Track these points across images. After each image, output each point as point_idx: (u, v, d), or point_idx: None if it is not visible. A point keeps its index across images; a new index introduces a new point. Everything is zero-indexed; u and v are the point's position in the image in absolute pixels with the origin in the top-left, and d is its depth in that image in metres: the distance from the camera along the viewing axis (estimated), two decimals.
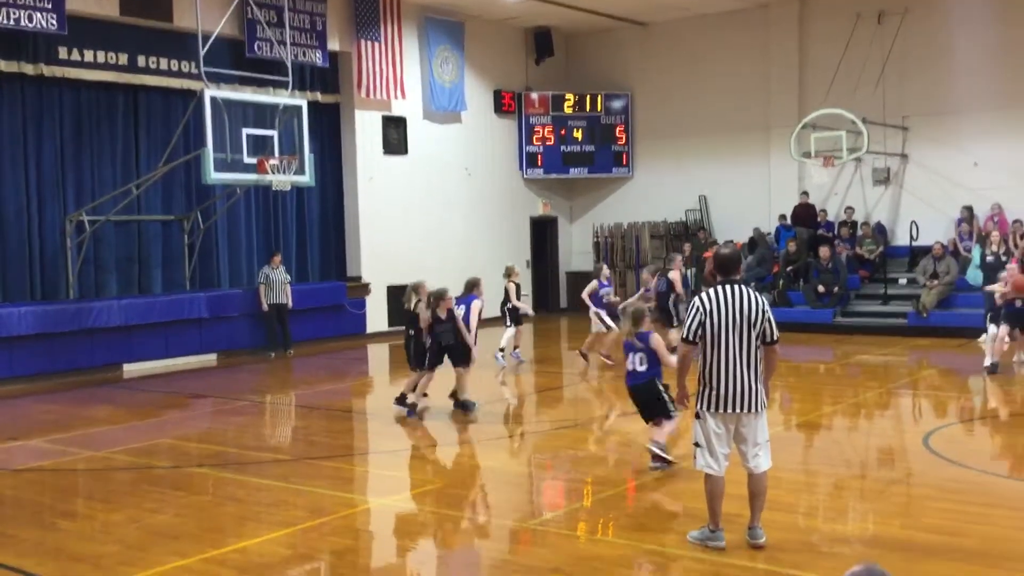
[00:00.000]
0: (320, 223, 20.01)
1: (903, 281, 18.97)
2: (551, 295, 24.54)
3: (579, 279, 24.11)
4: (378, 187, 20.20)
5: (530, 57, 23.64)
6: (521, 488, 8.64)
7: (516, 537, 6.96)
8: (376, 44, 19.57)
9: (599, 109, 23.58)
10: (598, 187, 24.31)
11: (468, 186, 22.20)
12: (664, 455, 8.43)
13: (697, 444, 6.49)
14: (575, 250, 24.79)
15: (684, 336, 6.45)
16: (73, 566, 6.54)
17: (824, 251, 19.05)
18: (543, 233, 24.44)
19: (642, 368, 8.51)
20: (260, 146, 15.46)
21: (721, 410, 6.35)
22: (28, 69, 15.38)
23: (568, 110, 23.49)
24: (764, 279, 20.01)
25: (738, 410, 6.36)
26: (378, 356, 18.22)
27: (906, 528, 6.91)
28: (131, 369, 16.01)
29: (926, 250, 18.42)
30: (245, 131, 15.27)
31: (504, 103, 23.01)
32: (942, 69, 19.56)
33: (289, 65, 16.68)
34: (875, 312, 18.79)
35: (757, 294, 6.48)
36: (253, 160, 15.27)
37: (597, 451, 9.69)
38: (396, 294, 20.31)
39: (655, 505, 7.74)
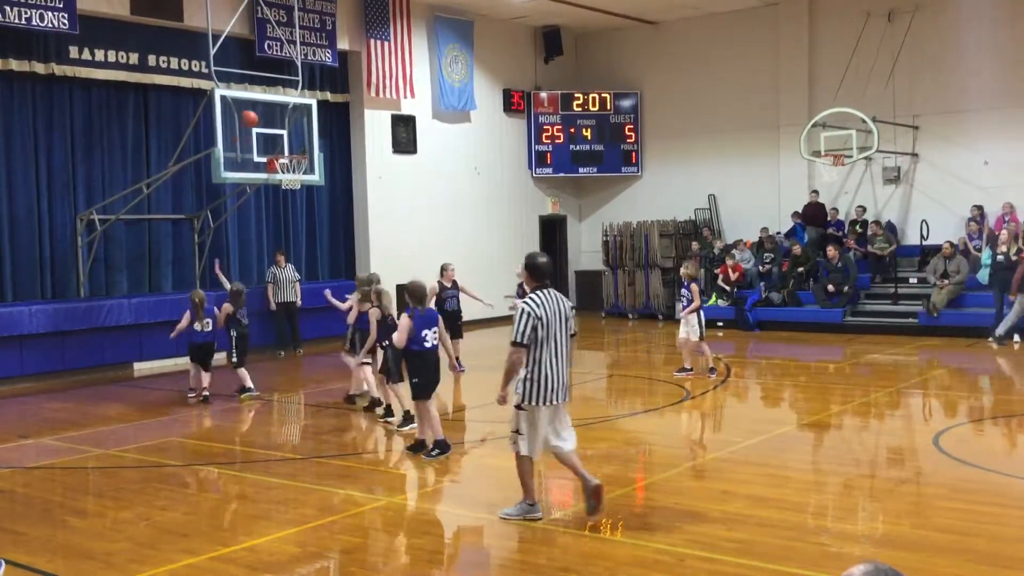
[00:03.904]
0: (330, 222, 20.05)
1: (913, 280, 18.90)
2: None
3: (588, 278, 24.17)
4: (387, 186, 20.21)
5: (539, 56, 23.64)
6: None
7: (525, 536, 6.96)
8: (385, 43, 19.59)
9: (608, 108, 23.57)
10: (607, 186, 24.30)
11: (477, 185, 22.21)
12: None
13: (519, 432, 7.04)
14: (584, 249, 24.78)
15: (518, 340, 6.85)
16: (83, 564, 6.57)
17: (832, 250, 19.00)
18: (552, 232, 24.44)
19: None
20: (270, 145, 15.49)
21: (549, 402, 6.95)
22: (39, 68, 15.45)
23: (577, 109, 23.48)
24: (768, 278, 19.97)
25: (561, 400, 7.03)
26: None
27: (916, 528, 6.88)
28: (141, 367, 16.08)
29: (937, 249, 18.35)
30: (255, 130, 15.30)
31: (513, 102, 23.02)
32: (952, 68, 19.50)
33: (299, 64, 16.71)
34: (885, 312, 18.74)
35: (560, 294, 7.16)
36: (263, 159, 15.30)
37: (606, 450, 9.68)
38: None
39: (663, 504, 7.72)
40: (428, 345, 9.29)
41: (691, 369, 13.72)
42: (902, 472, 8.86)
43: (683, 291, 13.96)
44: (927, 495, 7.92)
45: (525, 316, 6.84)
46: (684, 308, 13.66)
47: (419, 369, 9.30)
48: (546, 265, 7.18)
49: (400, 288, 10.00)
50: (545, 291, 6.99)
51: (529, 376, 6.90)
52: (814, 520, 7.16)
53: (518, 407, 7.00)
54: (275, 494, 8.21)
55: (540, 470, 9.04)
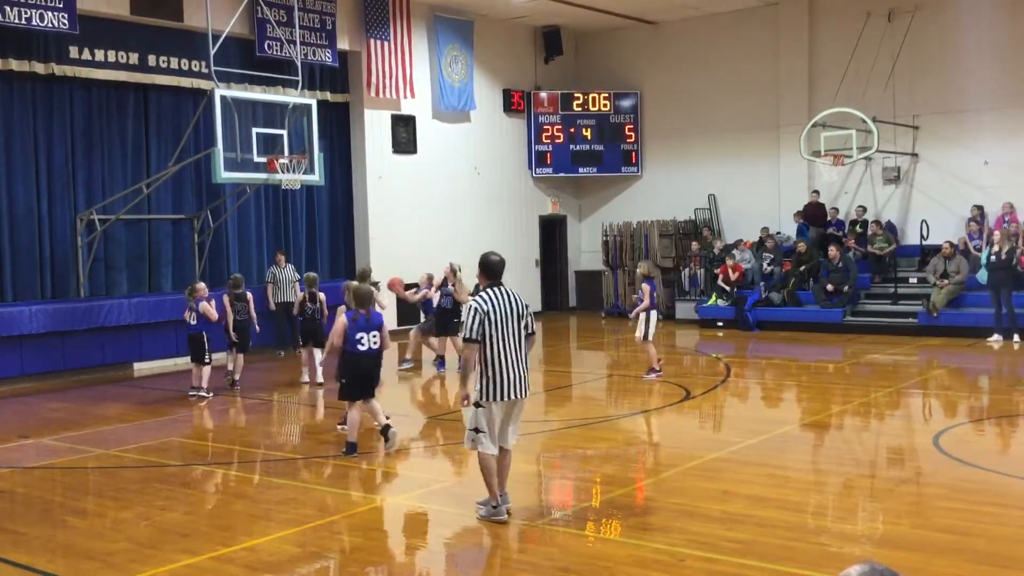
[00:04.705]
0: (330, 222, 20.05)
1: (913, 280, 18.90)
2: (560, 294, 24.55)
3: (588, 278, 24.17)
4: (387, 186, 20.21)
5: (539, 56, 23.64)
6: (530, 487, 8.63)
7: (525, 536, 6.96)
8: (385, 43, 19.59)
9: (608, 108, 23.56)
10: (607, 186, 24.30)
11: (477, 185, 22.21)
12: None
13: (478, 430, 7.11)
14: (584, 249, 24.77)
15: (468, 336, 7.01)
16: (83, 564, 6.57)
17: (832, 250, 19.00)
18: (552, 232, 24.44)
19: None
20: (270, 145, 15.49)
21: (506, 398, 7.08)
22: (39, 68, 15.45)
23: (577, 109, 23.48)
24: (768, 278, 19.96)
25: (519, 396, 7.14)
26: (387, 354, 18.17)
27: (916, 528, 6.88)
28: (141, 367, 16.08)
29: (937, 249, 18.35)
30: (255, 130, 15.32)
31: (513, 102, 23.02)
32: (952, 67, 19.50)
33: (299, 64, 16.72)
34: (885, 312, 18.74)
35: (517, 293, 7.27)
36: (263, 159, 15.31)
37: (606, 450, 9.68)
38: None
39: (663, 504, 7.73)
40: (362, 349, 9.38)
41: (660, 371, 13.62)
42: (902, 472, 8.86)
43: (639, 291, 13.80)
44: (927, 495, 7.92)
45: (472, 312, 7.00)
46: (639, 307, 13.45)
47: (346, 370, 9.48)
48: (498, 264, 7.29)
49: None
50: (496, 289, 7.12)
51: (484, 373, 7.04)
52: (814, 520, 7.16)
53: (477, 405, 7.11)
54: (275, 494, 8.21)
55: (539, 470, 9.06)
